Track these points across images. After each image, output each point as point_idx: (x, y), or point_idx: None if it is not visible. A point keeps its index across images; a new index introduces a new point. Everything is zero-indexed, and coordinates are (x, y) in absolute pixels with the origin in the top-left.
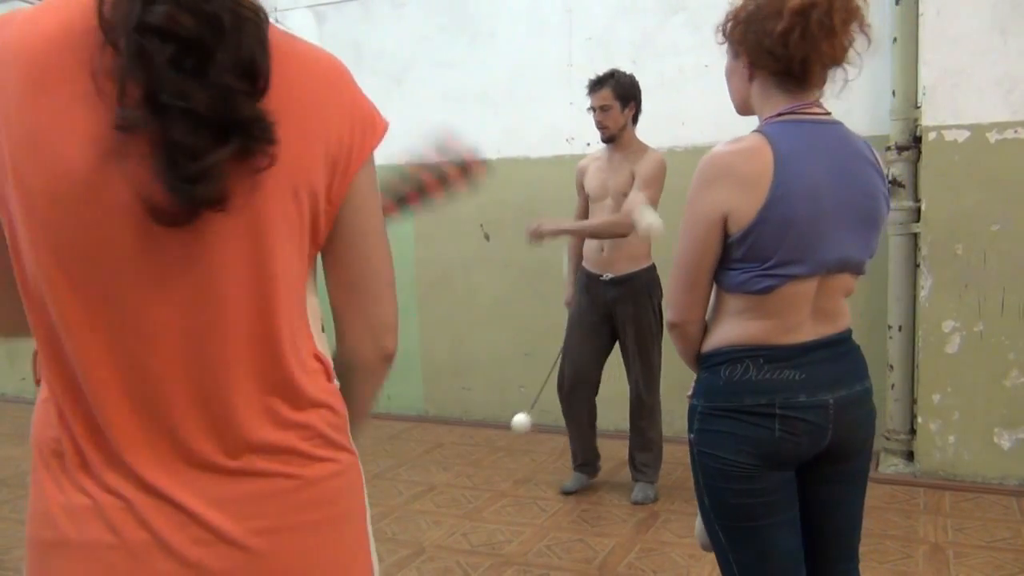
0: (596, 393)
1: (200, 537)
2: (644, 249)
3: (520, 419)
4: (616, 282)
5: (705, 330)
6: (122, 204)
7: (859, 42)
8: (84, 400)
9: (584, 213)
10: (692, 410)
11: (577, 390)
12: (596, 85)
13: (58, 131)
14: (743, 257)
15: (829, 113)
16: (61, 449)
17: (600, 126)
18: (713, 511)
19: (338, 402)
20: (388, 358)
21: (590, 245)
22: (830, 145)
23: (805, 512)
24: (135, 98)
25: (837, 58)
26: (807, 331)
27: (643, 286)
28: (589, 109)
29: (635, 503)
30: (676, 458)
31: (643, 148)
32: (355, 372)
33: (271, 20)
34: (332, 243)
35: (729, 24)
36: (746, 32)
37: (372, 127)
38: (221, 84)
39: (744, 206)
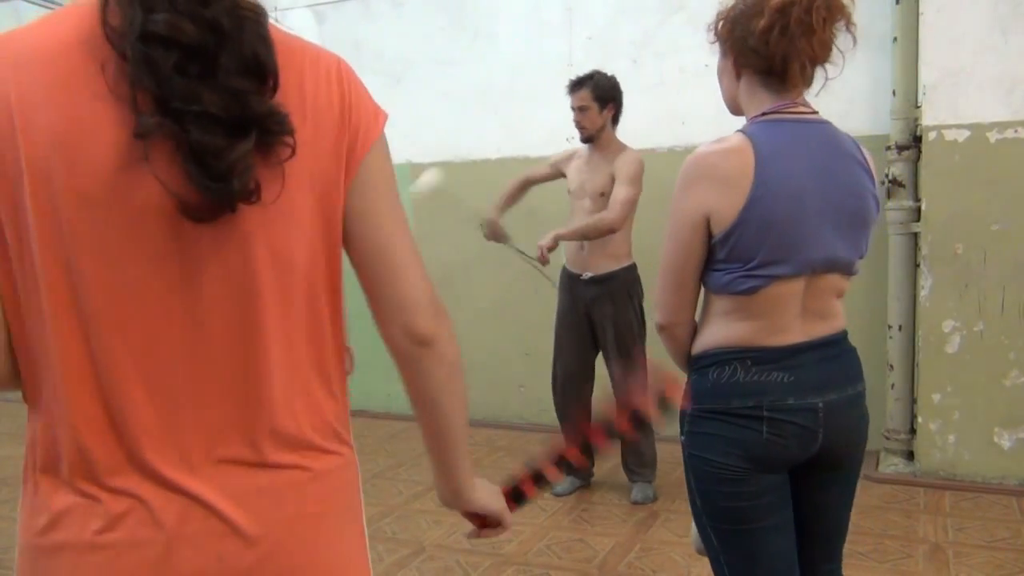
0: (591, 392)
1: (218, 530)
2: (625, 248)
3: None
4: (596, 281)
5: (694, 332)
6: (153, 203)
7: (846, 41)
8: (105, 402)
9: (538, 175)
10: (682, 413)
11: (569, 390)
12: (575, 86)
13: (84, 131)
14: (726, 258)
15: (816, 112)
16: (61, 460)
17: (578, 126)
18: (705, 513)
19: (344, 394)
20: (422, 341)
21: (571, 244)
22: (814, 144)
23: (795, 515)
24: (148, 104)
25: (818, 56)
26: (796, 332)
27: (623, 285)
28: (572, 109)
29: (635, 503)
30: (676, 458)
31: (622, 148)
32: (399, 364)
33: (271, 20)
34: (347, 229)
35: (719, 23)
36: (732, 31)
37: (375, 115)
38: (229, 86)
39: (725, 206)
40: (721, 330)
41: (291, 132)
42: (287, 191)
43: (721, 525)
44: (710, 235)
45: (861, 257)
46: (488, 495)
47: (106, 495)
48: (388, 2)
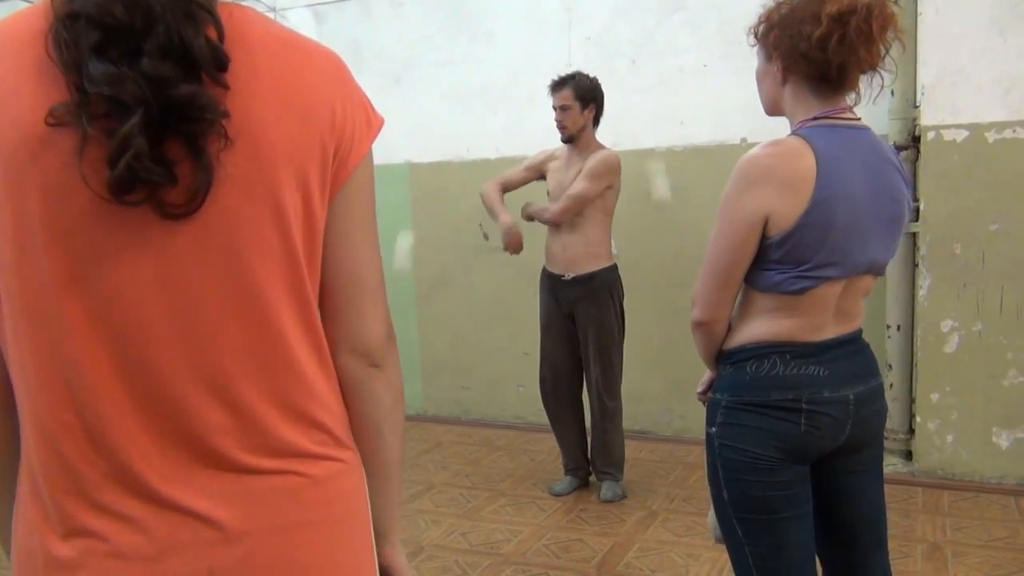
0: (580, 392)
1: (212, 538)
2: (606, 248)
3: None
4: (578, 281)
5: (728, 327)
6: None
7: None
8: (83, 413)
9: (515, 180)
10: (714, 404)
11: (558, 390)
12: (557, 85)
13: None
14: (781, 259)
15: (859, 118)
16: (46, 473)
17: (560, 126)
18: (732, 503)
19: (342, 397)
20: (375, 363)
21: (554, 244)
22: (862, 150)
23: (828, 505)
24: (72, 89)
25: (874, 63)
26: (830, 330)
27: (605, 285)
28: (553, 108)
29: (605, 501)
30: (675, 457)
31: (600, 148)
32: (347, 388)
33: (271, 16)
34: (322, 244)
35: (761, 27)
36: (781, 36)
37: (369, 122)
38: (148, 71)
39: (786, 209)
40: (762, 326)
41: (215, 122)
42: (272, 187)
43: (749, 515)
44: (763, 236)
45: (892, 257)
46: (404, 558)
47: (93, 512)
48: (387, 2)
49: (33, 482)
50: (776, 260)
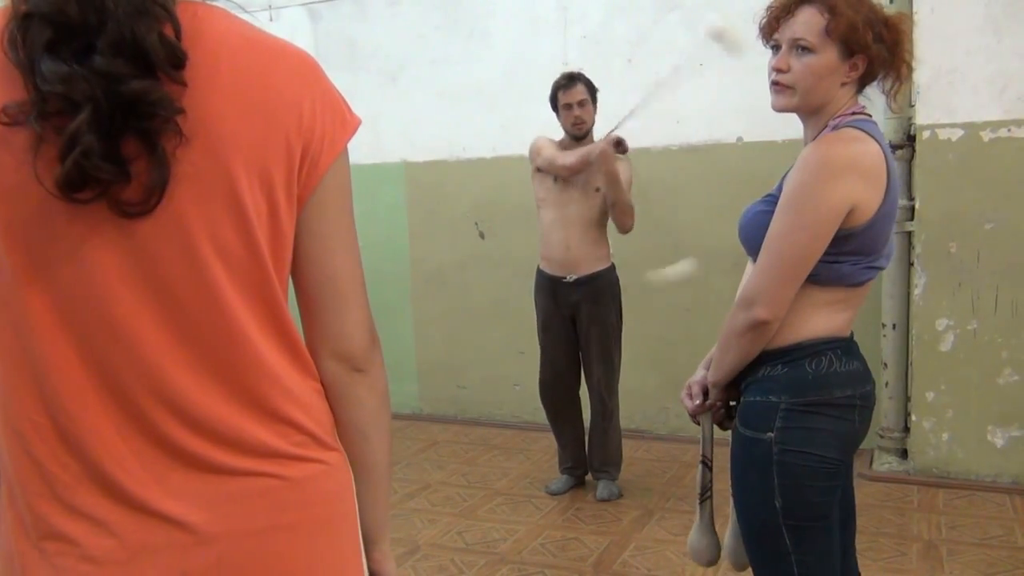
0: (579, 392)
1: (185, 541)
2: (606, 250)
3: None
4: (580, 283)
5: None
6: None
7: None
8: (54, 414)
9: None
10: (768, 408)
11: (558, 391)
12: (572, 80)
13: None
14: (855, 250)
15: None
16: (18, 475)
17: (578, 121)
18: (785, 511)
19: (324, 397)
20: (357, 367)
21: (555, 246)
22: (884, 143)
23: None
24: (26, 87)
25: (910, 62)
26: (853, 324)
27: (606, 286)
28: (564, 107)
29: (601, 500)
30: (672, 455)
31: None
32: (331, 392)
33: (267, 14)
34: (299, 248)
35: (847, 25)
36: (873, 38)
37: (343, 122)
38: (100, 67)
39: (870, 199)
40: (820, 321)
41: (170, 116)
42: (232, 186)
43: (805, 522)
44: (839, 227)
45: None
46: (393, 564)
47: (65, 516)
48: (383, 1)
49: (9, 486)
50: (849, 251)
